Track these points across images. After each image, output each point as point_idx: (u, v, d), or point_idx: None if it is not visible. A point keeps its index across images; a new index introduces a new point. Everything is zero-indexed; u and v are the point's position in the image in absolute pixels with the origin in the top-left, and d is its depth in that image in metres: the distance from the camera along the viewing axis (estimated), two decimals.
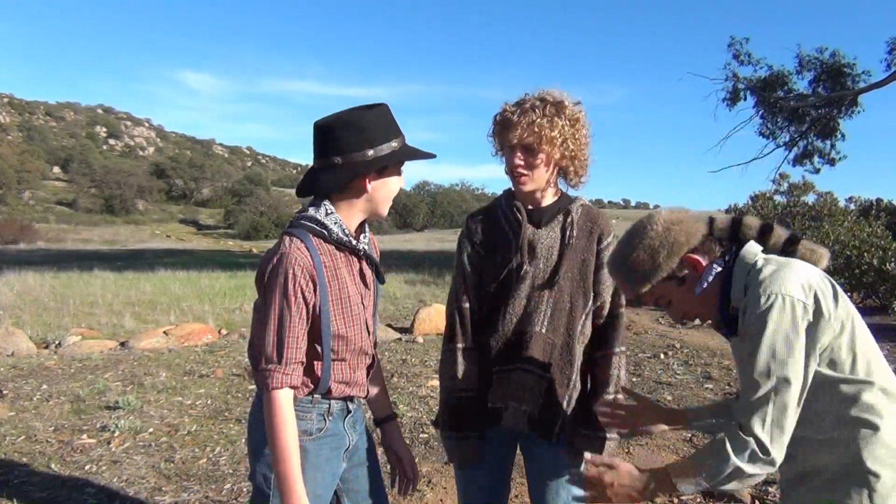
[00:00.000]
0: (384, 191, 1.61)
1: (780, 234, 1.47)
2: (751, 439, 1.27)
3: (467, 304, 1.85)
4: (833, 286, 1.34)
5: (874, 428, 1.30)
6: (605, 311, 1.86)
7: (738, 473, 1.29)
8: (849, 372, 1.31)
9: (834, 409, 1.32)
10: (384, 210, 1.64)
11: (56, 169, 79.11)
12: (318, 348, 1.55)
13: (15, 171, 65.71)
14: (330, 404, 1.63)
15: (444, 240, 33.64)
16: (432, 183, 64.91)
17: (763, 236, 1.46)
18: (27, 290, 11.83)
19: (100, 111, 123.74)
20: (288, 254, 1.47)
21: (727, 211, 15.56)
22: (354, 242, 1.59)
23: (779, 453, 1.28)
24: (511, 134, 1.72)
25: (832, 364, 1.31)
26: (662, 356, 6.54)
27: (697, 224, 1.46)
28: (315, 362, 1.57)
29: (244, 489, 3.33)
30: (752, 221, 1.48)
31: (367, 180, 1.56)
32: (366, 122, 1.54)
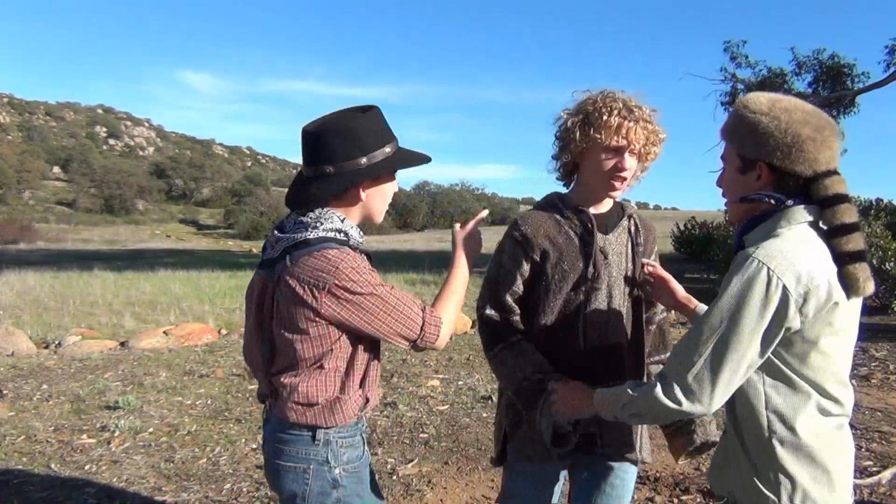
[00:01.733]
0: (378, 198, 1.58)
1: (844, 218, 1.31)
2: (675, 382, 1.29)
3: (510, 300, 1.72)
4: (832, 295, 1.26)
5: (791, 430, 1.29)
6: (656, 318, 1.86)
7: (654, 405, 1.31)
8: (793, 373, 1.29)
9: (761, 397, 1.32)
10: (379, 216, 1.62)
11: (56, 169, 79.06)
12: (368, 355, 1.55)
13: (15, 171, 65.72)
14: (363, 422, 1.60)
15: (444, 240, 33.62)
16: (432, 183, 64.95)
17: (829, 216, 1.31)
18: (27, 290, 11.83)
19: (100, 111, 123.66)
20: (343, 259, 1.43)
21: (725, 211, 15.51)
22: (365, 245, 1.59)
23: (707, 400, 1.27)
24: (632, 136, 1.60)
25: (781, 359, 1.29)
26: None
27: (829, 157, 1.31)
28: (367, 374, 1.55)
29: (244, 489, 3.34)
30: (846, 211, 1.30)
31: (362, 189, 1.52)
32: (358, 129, 1.49)
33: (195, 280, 13.90)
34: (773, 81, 15.67)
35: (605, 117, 1.59)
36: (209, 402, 4.90)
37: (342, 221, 1.51)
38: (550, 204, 1.76)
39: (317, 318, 1.43)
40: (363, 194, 1.53)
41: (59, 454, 3.82)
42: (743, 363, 1.26)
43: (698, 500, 3.19)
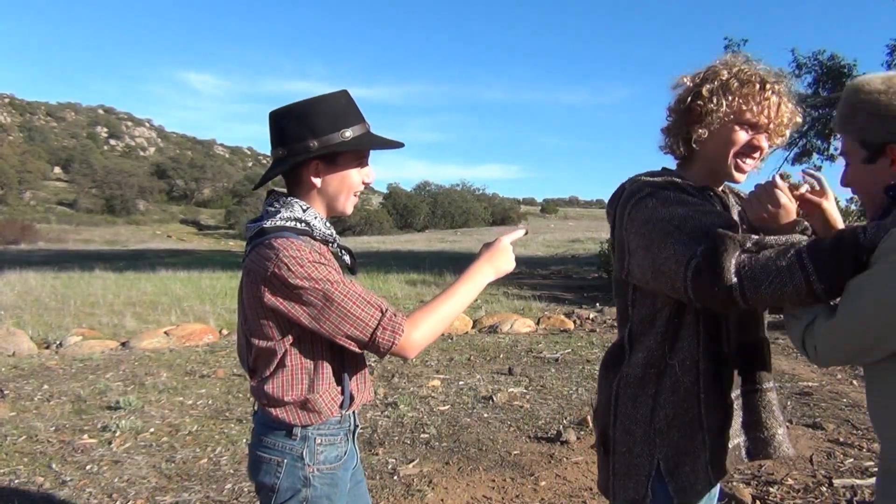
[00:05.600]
0: (336, 185, 1.49)
1: None
2: (814, 334, 1.19)
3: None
4: None
5: None
6: None
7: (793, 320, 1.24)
8: None
9: None
10: (343, 206, 1.52)
11: (57, 169, 79.15)
12: (336, 351, 1.47)
13: (16, 171, 65.82)
14: (350, 420, 1.55)
15: (445, 240, 33.66)
16: (433, 183, 65.06)
17: None
18: (28, 290, 11.85)
19: (101, 111, 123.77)
20: (288, 246, 1.35)
21: None
22: (335, 236, 1.52)
23: (824, 359, 1.18)
24: (774, 113, 1.41)
25: None
26: None
27: None
28: (342, 371, 1.49)
29: (245, 489, 3.34)
30: None
31: (313, 174, 1.46)
32: (312, 111, 1.44)
33: (196, 280, 13.91)
34: None
35: (747, 87, 1.39)
36: (210, 402, 4.91)
37: (304, 211, 1.46)
38: (672, 181, 1.45)
39: (264, 311, 1.39)
40: (317, 180, 1.46)
41: (60, 454, 3.82)
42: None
43: None
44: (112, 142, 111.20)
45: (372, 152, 1.55)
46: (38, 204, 64.57)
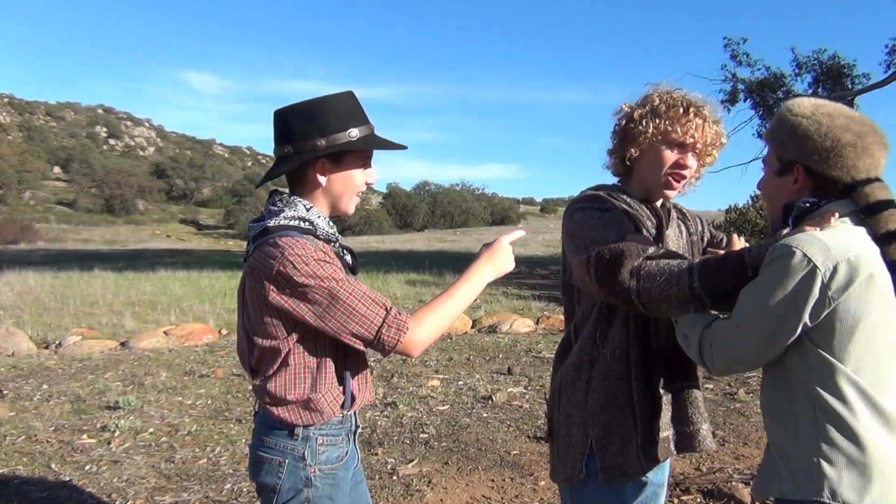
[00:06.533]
0: (341, 185, 1.50)
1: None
2: (706, 341, 1.34)
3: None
4: (874, 274, 1.21)
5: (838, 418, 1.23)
6: None
7: (688, 332, 1.39)
8: (834, 356, 1.23)
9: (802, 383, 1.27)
10: (346, 206, 1.53)
11: (56, 169, 79.10)
12: (339, 351, 1.47)
13: (15, 171, 65.75)
14: (351, 421, 1.55)
15: (445, 240, 33.65)
16: (433, 183, 65.03)
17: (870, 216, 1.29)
18: (27, 290, 11.85)
19: (100, 111, 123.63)
20: (293, 245, 1.35)
21: (727, 211, 15.58)
22: (338, 235, 1.52)
23: (719, 367, 1.33)
24: (699, 133, 1.54)
25: (821, 339, 1.24)
26: None
27: (870, 164, 1.29)
28: (344, 371, 1.50)
29: (244, 489, 3.34)
30: (892, 217, 1.27)
31: (319, 173, 1.47)
32: (319, 110, 1.45)
33: (195, 280, 13.91)
34: (771, 82, 15.68)
35: (672, 110, 1.54)
36: (209, 402, 4.91)
37: (308, 210, 1.47)
38: (610, 194, 1.62)
39: (268, 309, 1.39)
40: (322, 179, 1.47)
41: (60, 454, 3.82)
42: (776, 339, 1.26)
43: (699, 500, 3.19)
44: (111, 141, 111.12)
45: (372, 153, 1.56)
46: (38, 204, 64.53)
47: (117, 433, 4.14)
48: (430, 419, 4.45)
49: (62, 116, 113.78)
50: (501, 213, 66.84)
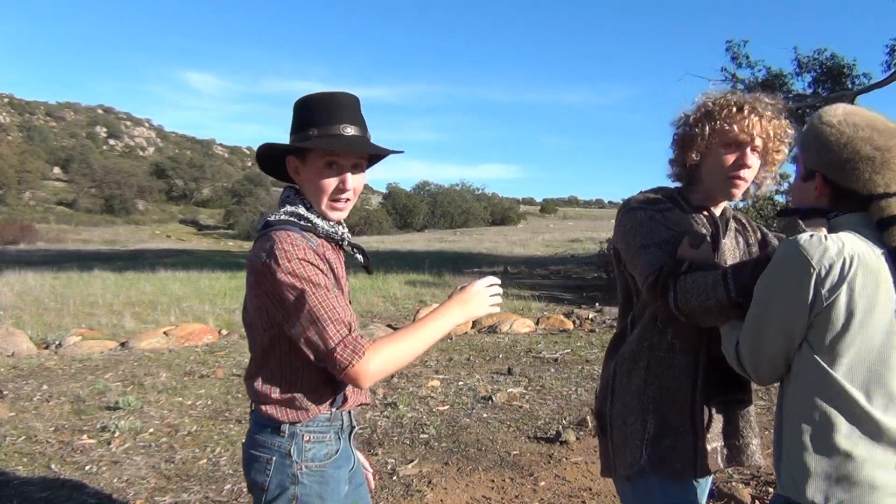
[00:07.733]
0: (310, 185, 1.47)
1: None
2: (743, 359, 1.34)
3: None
4: (878, 279, 1.20)
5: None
6: None
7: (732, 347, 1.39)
8: (824, 359, 1.23)
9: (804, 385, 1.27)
10: (320, 206, 1.47)
11: (56, 169, 79.06)
12: None
13: (15, 171, 65.74)
14: (343, 419, 1.53)
15: (444, 240, 33.62)
16: (432, 183, 64.88)
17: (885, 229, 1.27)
18: (27, 290, 11.85)
19: (100, 111, 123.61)
20: (284, 239, 1.36)
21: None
22: (341, 232, 1.51)
23: (754, 372, 1.33)
24: (755, 130, 1.51)
25: (815, 341, 1.23)
26: None
27: (891, 178, 1.26)
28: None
29: (244, 489, 3.34)
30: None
31: (292, 170, 1.49)
32: (302, 107, 1.47)
33: (195, 280, 13.91)
34: (772, 82, 15.68)
35: (726, 109, 1.52)
36: (209, 402, 4.91)
37: (308, 209, 1.47)
38: (669, 197, 1.60)
39: (256, 301, 1.41)
40: (296, 177, 1.50)
41: (60, 454, 3.82)
42: (786, 335, 1.26)
43: None
44: (111, 141, 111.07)
45: (352, 157, 1.50)
46: (38, 204, 64.50)
47: (117, 433, 4.14)
48: (430, 419, 4.45)
49: (62, 116, 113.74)
50: (501, 214, 66.76)
